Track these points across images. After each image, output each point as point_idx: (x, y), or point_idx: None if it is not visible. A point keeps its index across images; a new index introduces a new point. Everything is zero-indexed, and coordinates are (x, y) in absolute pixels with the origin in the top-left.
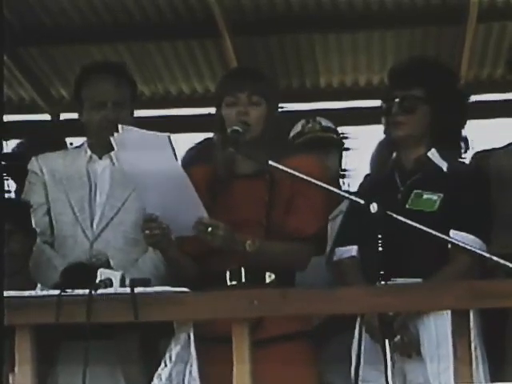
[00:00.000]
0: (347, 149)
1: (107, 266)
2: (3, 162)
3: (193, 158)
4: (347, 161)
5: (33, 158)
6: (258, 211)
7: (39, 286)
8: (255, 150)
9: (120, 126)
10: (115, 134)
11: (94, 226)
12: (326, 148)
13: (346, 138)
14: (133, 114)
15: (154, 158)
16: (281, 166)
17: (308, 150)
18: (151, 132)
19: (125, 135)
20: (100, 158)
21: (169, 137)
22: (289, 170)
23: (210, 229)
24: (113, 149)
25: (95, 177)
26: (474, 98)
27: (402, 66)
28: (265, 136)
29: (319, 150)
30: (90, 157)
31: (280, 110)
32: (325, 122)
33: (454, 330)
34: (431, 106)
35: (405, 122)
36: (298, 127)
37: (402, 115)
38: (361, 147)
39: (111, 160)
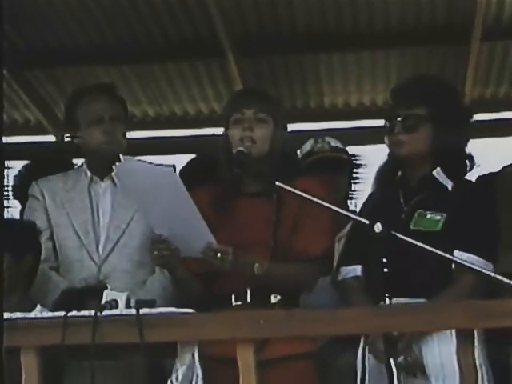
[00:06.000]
0: (357, 169)
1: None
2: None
3: (191, 180)
4: (356, 181)
5: (33, 183)
6: (264, 231)
7: (38, 307)
8: (262, 169)
9: (122, 157)
10: (117, 164)
11: (100, 249)
12: (335, 168)
13: (356, 158)
14: (125, 134)
15: (158, 186)
16: (287, 187)
17: (317, 170)
18: (155, 165)
19: (127, 165)
20: (101, 180)
21: (173, 167)
22: (295, 191)
23: (219, 254)
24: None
25: (97, 199)
26: (478, 116)
27: (404, 85)
28: (271, 155)
29: (328, 170)
30: (91, 178)
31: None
32: (334, 142)
33: (458, 348)
34: (434, 124)
35: (407, 140)
36: (307, 147)
37: (405, 134)
38: (365, 166)
39: (112, 181)
